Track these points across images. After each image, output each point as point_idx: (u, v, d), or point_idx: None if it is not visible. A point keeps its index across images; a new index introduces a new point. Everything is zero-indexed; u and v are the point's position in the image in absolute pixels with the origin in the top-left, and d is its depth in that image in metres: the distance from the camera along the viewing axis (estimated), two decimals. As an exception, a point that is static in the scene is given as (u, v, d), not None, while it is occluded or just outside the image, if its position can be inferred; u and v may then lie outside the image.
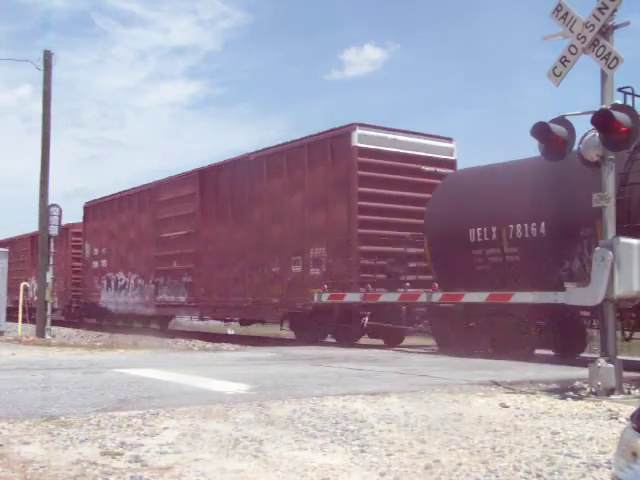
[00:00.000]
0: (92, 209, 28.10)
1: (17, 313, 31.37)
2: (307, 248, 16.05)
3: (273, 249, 17.12)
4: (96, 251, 27.22)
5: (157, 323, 25.08)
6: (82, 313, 29.45)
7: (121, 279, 25.05)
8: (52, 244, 18.86)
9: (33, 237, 31.97)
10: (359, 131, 15.33)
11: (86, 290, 28.04)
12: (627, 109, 7.04)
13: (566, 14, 7.54)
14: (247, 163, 18.32)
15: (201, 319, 22.35)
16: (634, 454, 2.28)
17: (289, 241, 16.59)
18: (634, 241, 7.05)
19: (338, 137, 15.72)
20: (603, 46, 7.24)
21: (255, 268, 17.73)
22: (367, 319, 14.53)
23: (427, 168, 16.00)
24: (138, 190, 24.44)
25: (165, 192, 22.39)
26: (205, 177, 20.36)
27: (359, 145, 15.28)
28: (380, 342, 16.17)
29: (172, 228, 21.58)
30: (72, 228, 29.73)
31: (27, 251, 33.93)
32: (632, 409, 2.82)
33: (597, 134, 7.19)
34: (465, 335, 12.51)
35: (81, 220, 29.44)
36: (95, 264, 27.22)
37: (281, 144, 17.60)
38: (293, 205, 16.67)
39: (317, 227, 15.85)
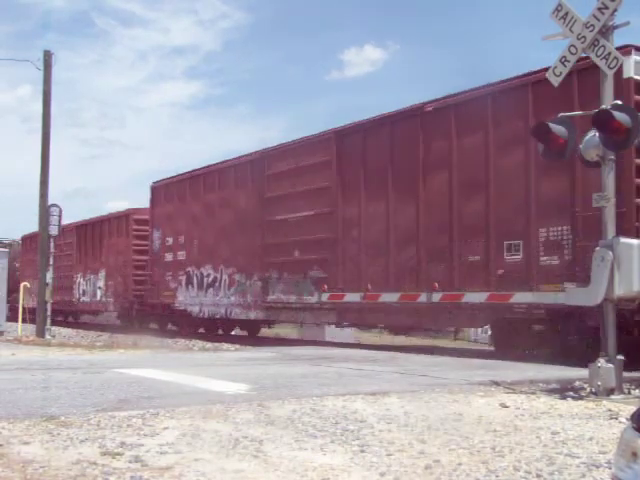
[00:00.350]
0: (164, 189, 22.19)
1: (56, 315, 29.11)
2: (534, 227, 11.28)
3: (469, 231, 12.43)
4: (170, 241, 21.36)
5: (246, 329, 21.46)
6: (148, 316, 23.78)
7: (209, 274, 19.36)
8: (52, 244, 18.86)
9: (79, 227, 28.70)
10: (636, 57, 10.15)
11: (155, 289, 22.17)
12: (627, 109, 7.04)
13: (566, 14, 7.54)
14: (420, 117, 13.52)
15: (338, 326, 17.43)
16: (634, 454, 2.28)
17: (498, 218, 11.90)
18: (634, 241, 7.06)
19: (595, 67, 10.59)
20: (603, 46, 7.24)
21: (435, 258, 13.00)
22: None
23: None
24: (234, 162, 18.98)
25: (278, 162, 17.04)
26: (345, 139, 15.23)
27: (636, 77, 10.17)
28: (381, 342, 16.13)
29: (291, 208, 16.36)
30: (134, 214, 24.63)
31: (72, 243, 28.93)
32: (632, 409, 2.82)
33: (597, 134, 7.20)
34: None
35: (143, 205, 24.06)
36: (168, 257, 21.42)
37: (478, 87, 12.73)
38: (504, 168, 11.91)
39: (553, 197, 11.16)
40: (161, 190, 22.42)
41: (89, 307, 28.05)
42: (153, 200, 22.75)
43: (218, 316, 19.23)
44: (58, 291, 28.78)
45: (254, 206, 17.69)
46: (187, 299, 20.37)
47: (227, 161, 19.34)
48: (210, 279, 19.31)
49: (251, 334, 21.01)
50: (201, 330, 21.05)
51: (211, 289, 19.24)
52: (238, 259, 18.13)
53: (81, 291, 28.17)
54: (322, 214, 15.54)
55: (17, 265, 34.08)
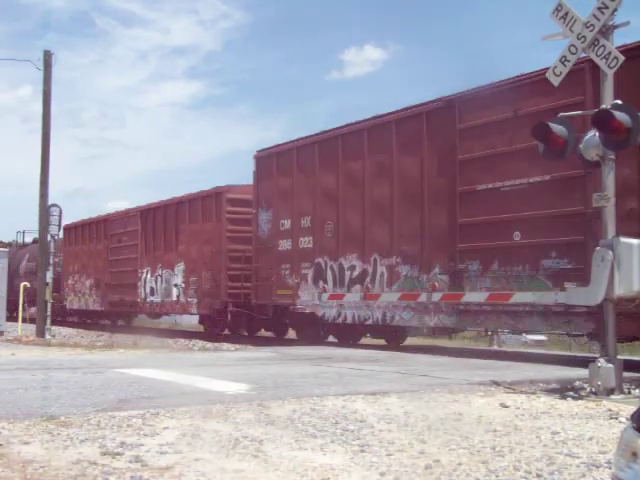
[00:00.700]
0: (276, 159, 17.05)
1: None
2: None
3: None
4: (286, 224, 16.50)
5: (385, 337, 16.57)
6: (250, 321, 19.18)
7: (353, 267, 14.72)
8: (52, 244, 18.86)
9: (146, 212, 23.32)
10: None
11: (264, 286, 17.20)
12: (627, 109, 7.04)
13: (566, 14, 7.54)
14: None
15: (594, 340, 11.38)
16: (634, 454, 2.28)
17: None
18: (634, 241, 7.05)
19: None
20: (603, 46, 7.24)
21: None
22: None
23: None
24: (396, 116, 13.94)
25: (480, 111, 12.13)
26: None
27: None
28: (381, 342, 16.11)
29: (505, 173, 11.57)
30: (227, 193, 19.44)
31: (135, 232, 23.65)
32: (632, 409, 2.82)
33: (597, 134, 7.20)
34: None
35: (240, 181, 19.56)
36: (285, 244, 16.57)
37: None
38: None
39: None
40: (271, 160, 17.21)
41: (160, 309, 22.68)
42: (258, 173, 17.64)
43: (370, 322, 14.32)
44: (116, 289, 24.64)
45: (434, 173, 13.04)
46: (315, 299, 15.53)
47: (382, 116, 14.33)
48: (356, 273, 14.59)
49: (392, 343, 16.11)
50: (331, 339, 16.67)
51: (358, 286, 14.50)
52: (404, 246, 13.55)
53: (148, 289, 22.81)
54: (566, 179, 10.79)
55: (57, 260, 29.62)
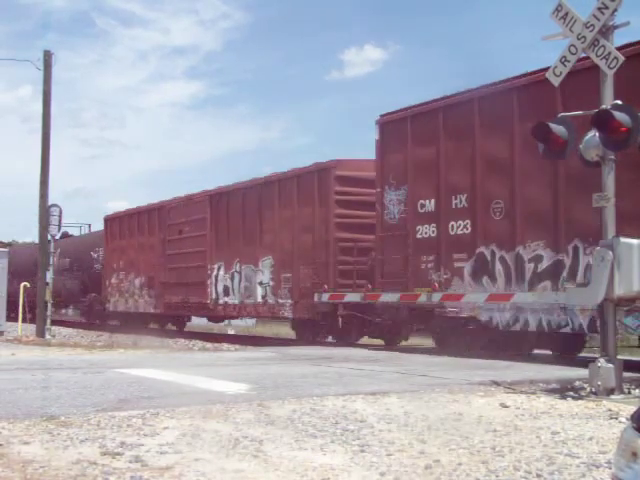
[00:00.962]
0: (411, 122, 13.60)
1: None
2: None
3: None
4: (428, 205, 13.12)
5: (555, 347, 12.43)
6: (364, 327, 15.60)
7: (538, 258, 11.25)
8: (52, 244, 18.85)
9: (217, 196, 19.58)
10: None
11: (392, 282, 13.75)
12: (627, 109, 7.04)
13: (566, 14, 7.54)
14: None
15: None
16: (634, 454, 2.28)
17: None
18: (634, 241, 7.05)
19: None
20: (603, 46, 7.24)
21: None
22: None
23: None
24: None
25: None
26: None
27: None
28: (380, 342, 16.09)
29: None
30: (336, 169, 15.78)
31: (203, 220, 19.79)
32: (632, 409, 2.82)
33: (597, 134, 7.20)
34: None
35: (352, 155, 16.63)
36: (424, 231, 13.17)
37: None
38: None
39: None
40: (403, 125, 13.74)
41: (238, 312, 19.10)
42: (384, 143, 14.27)
43: (568, 329, 10.77)
44: (176, 289, 20.94)
45: None
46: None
47: (582, 59, 9.31)
48: (544, 265, 11.18)
49: (564, 354, 12.20)
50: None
51: (547, 282, 11.08)
52: (626, 229, 8.89)
53: (221, 288, 19.10)
54: None
55: (95, 256, 26.83)
